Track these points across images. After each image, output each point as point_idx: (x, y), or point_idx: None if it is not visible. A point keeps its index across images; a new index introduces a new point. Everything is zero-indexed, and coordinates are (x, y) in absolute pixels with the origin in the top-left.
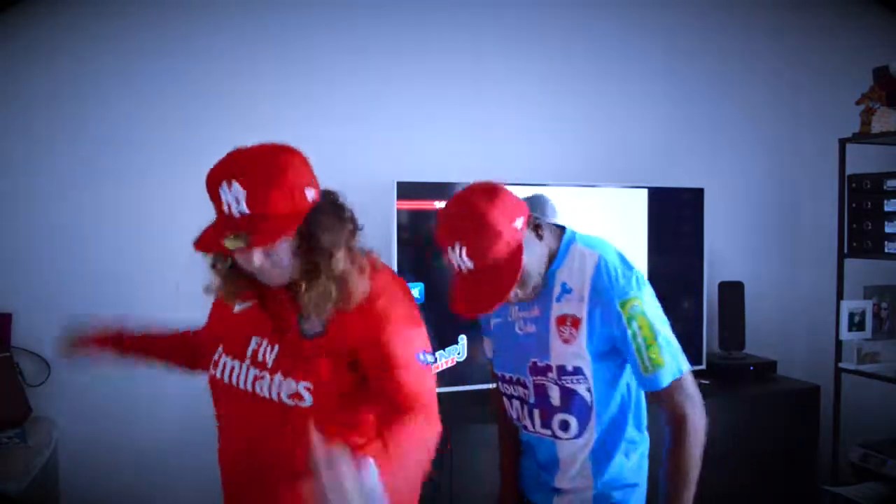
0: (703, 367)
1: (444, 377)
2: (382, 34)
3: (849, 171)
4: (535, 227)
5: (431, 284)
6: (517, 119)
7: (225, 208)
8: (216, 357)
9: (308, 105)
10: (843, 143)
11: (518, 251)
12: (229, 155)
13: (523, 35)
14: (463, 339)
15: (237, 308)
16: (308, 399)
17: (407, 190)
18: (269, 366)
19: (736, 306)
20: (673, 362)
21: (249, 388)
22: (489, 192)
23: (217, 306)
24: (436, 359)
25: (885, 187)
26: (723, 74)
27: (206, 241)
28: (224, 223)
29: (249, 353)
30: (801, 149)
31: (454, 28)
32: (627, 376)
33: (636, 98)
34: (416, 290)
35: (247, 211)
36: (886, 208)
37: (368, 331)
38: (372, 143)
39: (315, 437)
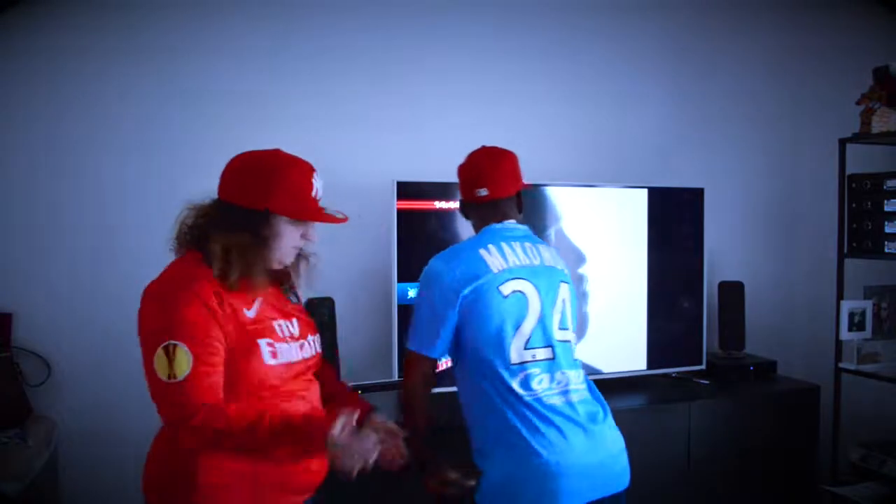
0: (703, 367)
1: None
2: (383, 34)
3: (849, 171)
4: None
5: None
6: (517, 119)
7: (314, 193)
8: (270, 349)
9: (308, 105)
10: (843, 143)
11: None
12: (299, 158)
13: (523, 35)
14: None
15: (252, 312)
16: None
17: (407, 190)
18: (299, 334)
19: (736, 306)
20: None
21: (299, 356)
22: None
23: (214, 323)
24: None
25: (885, 187)
26: (723, 74)
27: (326, 216)
28: (316, 204)
29: (282, 334)
30: (801, 149)
31: (455, 28)
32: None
33: (636, 98)
34: (416, 290)
35: (320, 197)
36: (886, 208)
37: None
38: (372, 143)
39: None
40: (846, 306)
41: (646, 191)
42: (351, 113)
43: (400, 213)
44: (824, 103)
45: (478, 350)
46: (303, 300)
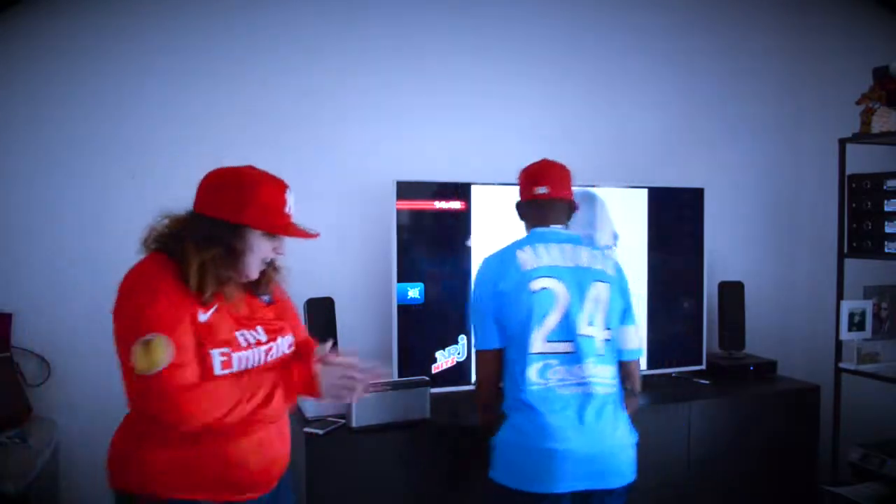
0: (703, 367)
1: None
2: (383, 34)
3: (849, 171)
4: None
5: (431, 284)
6: (517, 119)
7: (287, 208)
8: (223, 359)
9: (308, 105)
10: (843, 143)
11: None
12: (273, 175)
13: (523, 35)
14: (462, 339)
15: (205, 317)
16: (293, 341)
17: (407, 190)
18: (267, 338)
19: (736, 306)
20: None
21: (262, 360)
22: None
23: (184, 315)
24: None
25: (885, 187)
26: (723, 74)
27: (298, 230)
28: (288, 220)
29: (245, 342)
30: (801, 149)
31: (454, 28)
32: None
33: (636, 98)
34: (416, 290)
35: (293, 213)
36: (886, 208)
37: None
38: (372, 143)
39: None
40: (846, 306)
41: (646, 191)
42: (351, 113)
43: (400, 213)
44: (824, 103)
45: (510, 337)
46: (288, 294)
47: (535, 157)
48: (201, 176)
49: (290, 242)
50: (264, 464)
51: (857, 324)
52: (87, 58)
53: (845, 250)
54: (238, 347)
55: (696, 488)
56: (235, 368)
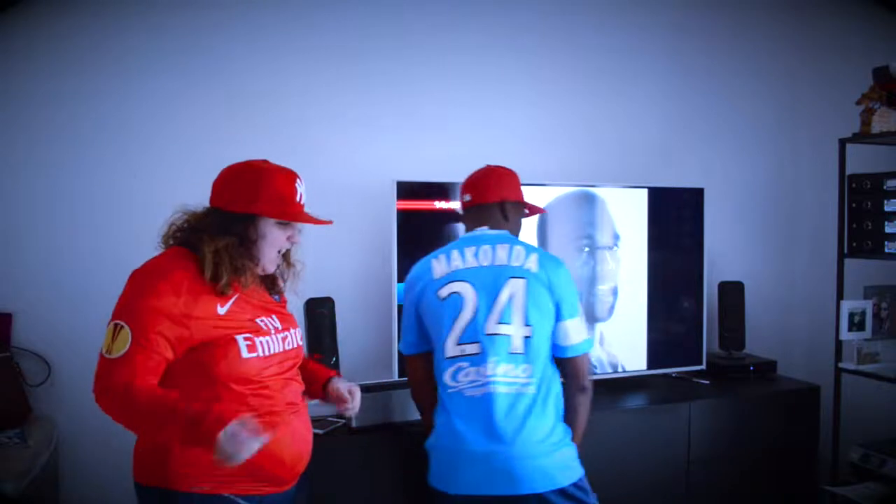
0: (703, 367)
1: None
2: (382, 35)
3: (849, 171)
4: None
5: None
6: (517, 119)
7: (298, 197)
8: (248, 343)
9: (308, 105)
10: (843, 143)
11: None
12: (284, 166)
13: (524, 35)
14: None
15: (224, 309)
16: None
17: (407, 190)
18: (282, 327)
19: (736, 306)
20: None
21: (281, 348)
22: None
23: (170, 320)
24: None
25: (885, 187)
26: (723, 74)
27: (309, 217)
28: (300, 208)
29: (265, 327)
30: (801, 149)
31: (455, 28)
32: None
33: (636, 98)
34: None
35: (304, 202)
36: (886, 208)
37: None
38: (372, 143)
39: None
40: (846, 306)
41: (646, 191)
42: (351, 113)
43: (400, 213)
44: (824, 103)
45: (433, 343)
46: (288, 302)
47: (534, 157)
48: (203, 175)
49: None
50: (297, 456)
51: (857, 324)
52: (88, 58)
53: (845, 250)
54: (260, 332)
55: (696, 488)
56: (261, 353)
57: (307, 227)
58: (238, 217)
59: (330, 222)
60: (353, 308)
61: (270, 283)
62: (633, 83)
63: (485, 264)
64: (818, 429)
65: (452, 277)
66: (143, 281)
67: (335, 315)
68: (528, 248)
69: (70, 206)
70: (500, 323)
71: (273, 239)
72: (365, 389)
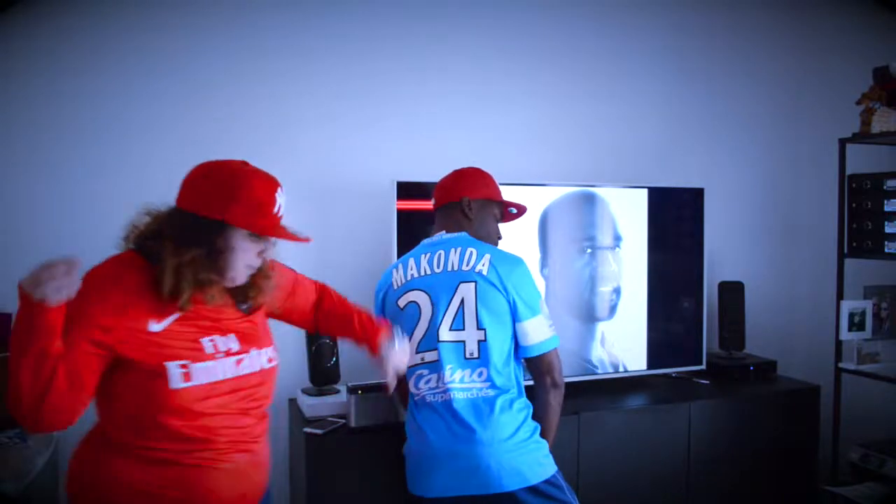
0: (703, 367)
1: (575, 367)
2: (382, 35)
3: (849, 171)
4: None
5: None
6: (518, 119)
7: (276, 209)
8: (182, 371)
9: (308, 105)
10: (843, 143)
11: None
12: (264, 171)
13: (524, 36)
14: None
15: (159, 326)
16: (276, 358)
17: (407, 190)
18: (240, 348)
19: (736, 306)
20: None
21: (233, 373)
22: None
23: (99, 330)
24: None
25: (885, 187)
26: (723, 74)
27: (285, 232)
28: (276, 221)
29: (211, 350)
30: (801, 149)
31: (455, 28)
32: None
33: (635, 99)
34: None
35: (282, 215)
36: (886, 208)
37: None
38: (372, 143)
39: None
40: (846, 306)
41: (646, 191)
42: (351, 114)
43: (400, 213)
44: (824, 103)
45: None
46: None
47: (535, 158)
48: None
49: (288, 242)
50: (236, 495)
51: (857, 324)
52: (88, 58)
53: (845, 250)
54: (200, 357)
55: (696, 488)
56: (197, 381)
57: (310, 226)
58: (205, 223)
59: (308, 240)
60: None
61: (239, 293)
62: (632, 84)
63: (438, 271)
64: (818, 429)
65: (409, 287)
66: (94, 288)
67: None
68: (482, 250)
69: (71, 206)
70: (452, 329)
71: (243, 253)
72: (365, 389)
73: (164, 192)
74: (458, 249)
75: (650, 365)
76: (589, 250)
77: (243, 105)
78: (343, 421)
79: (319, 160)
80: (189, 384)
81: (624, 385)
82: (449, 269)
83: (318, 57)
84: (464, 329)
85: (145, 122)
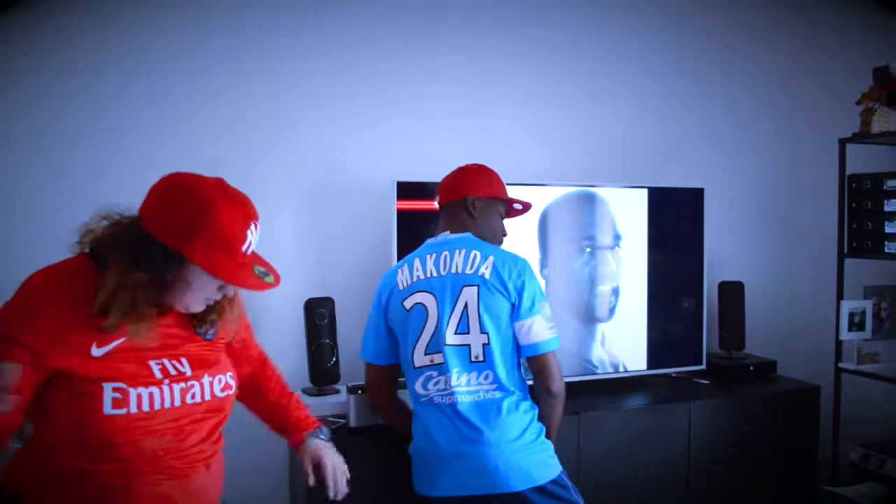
0: (703, 367)
1: (575, 367)
2: (382, 35)
3: (849, 171)
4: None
5: None
6: (517, 119)
7: (245, 247)
8: (116, 395)
9: (308, 105)
10: (843, 143)
11: None
12: (243, 196)
13: (523, 35)
14: None
15: (101, 351)
16: (234, 384)
17: (407, 190)
18: (190, 374)
19: (736, 306)
20: None
21: (179, 402)
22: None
23: (48, 337)
24: None
25: (885, 187)
26: (723, 74)
27: (248, 278)
28: (243, 260)
29: (159, 374)
30: (801, 149)
31: (455, 28)
32: None
33: (636, 98)
34: None
35: (251, 252)
36: (886, 208)
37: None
38: (372, 143)
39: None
40: (846, 306)
41: (646, 191)
42: (351, 113)
43: (400, 213)
44: (824, 103)
45: (401, 353)
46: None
47: (534, 157)
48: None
49: (288, 243)
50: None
51: (857, 324)
52: (89, 58)
53: (845, 250)
54: (140, 382)
55: (696, 488)
56: (133, 409)
57: (310, 226)
58: (161, 250)
59: (273, 286)
60: (353, 308)
61: (200, 318)
62: (632, 84)
63: (443, 273)
64: (818, 429)
65: (415, 288)
66: (36, 298)
67: (335, 315)
68: (486, 252)
69: (71, 206)
70: (457, 333)
71: (199, 287)
72: (365, 390)
73: None
74: (463, 251)
75: (650, 365)
76: (588, 250)
77: (243, 105)
78: (343, 421)
79: (319, 160)
80: (121, 412)
81: (624, 385)
82: (453, 271)
83: (318, 57)
84: (469, 333)
85: (145, 122)
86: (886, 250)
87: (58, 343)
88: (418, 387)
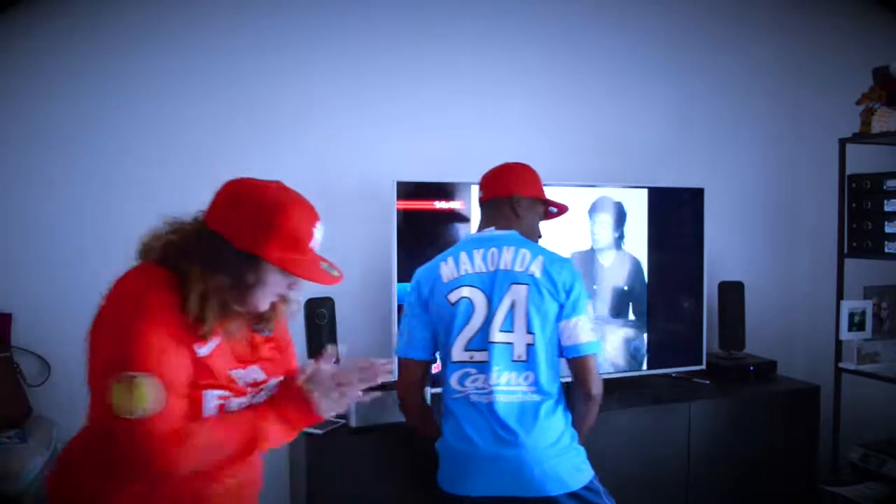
0: (703, 367)
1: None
2: (382, 35)
3: (849, 171)
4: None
5: None
6: (518, 119)
7: (313, 244)
8: (220, 402)
9: (308, 105)
10: (843, 143)
11: None
12: (304, 197)
13: (524, 35)
14: None
15: (205, 350)
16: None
17: (407, 190)
18: (262, 378)
19: (736, 306)
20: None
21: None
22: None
23: (169, 362)
24: None
25: (885, 187)
26: (723, 74)
27: (321, 273)
28: (312, 257)
29: (243, 383)
30: (801, 149)
31: (455, 28)
32: None
33: (636, 98)
34: None
35: (318, 249)
36: (886, 208)
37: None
38: (372, 143)
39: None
40: (846, 306)
41: (646, 191)
42: (352, 113)
43: (400, 213)
44: (824, 103)
45: (439, 346)
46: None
47: (534, 157)
48: (205, 175)
49: None
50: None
51: (857, 324)
52: (89, 58)
53: (845, 250)
54: (236, 391)
55: (696, 488)
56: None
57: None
58: (236, 253)
59: (341, 278)
60: (353, 308)
61: (258, 317)
62: (632, 83)
63: (492, 269)
64: (818, 429)
65: (462, 282)
66: (134, 306)
67: (335, 315)
68: (535, 251)
69: (71, 206)
70: (502, 331)
71: (272, 285)
72: (365, 390)
73: (166, 193)
74: (512, 249)
75: (650, 365)
76: (589, 249)
77: (243, 104)
78: (343, 421)
79: (320, 160)
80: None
81: (624, 385)
82: (502, 267)
83: (318, 56)
84: (513, 331)
85: (145, 121)
86: (886, 250)
87: (176, 344)
88: (454, 382)
